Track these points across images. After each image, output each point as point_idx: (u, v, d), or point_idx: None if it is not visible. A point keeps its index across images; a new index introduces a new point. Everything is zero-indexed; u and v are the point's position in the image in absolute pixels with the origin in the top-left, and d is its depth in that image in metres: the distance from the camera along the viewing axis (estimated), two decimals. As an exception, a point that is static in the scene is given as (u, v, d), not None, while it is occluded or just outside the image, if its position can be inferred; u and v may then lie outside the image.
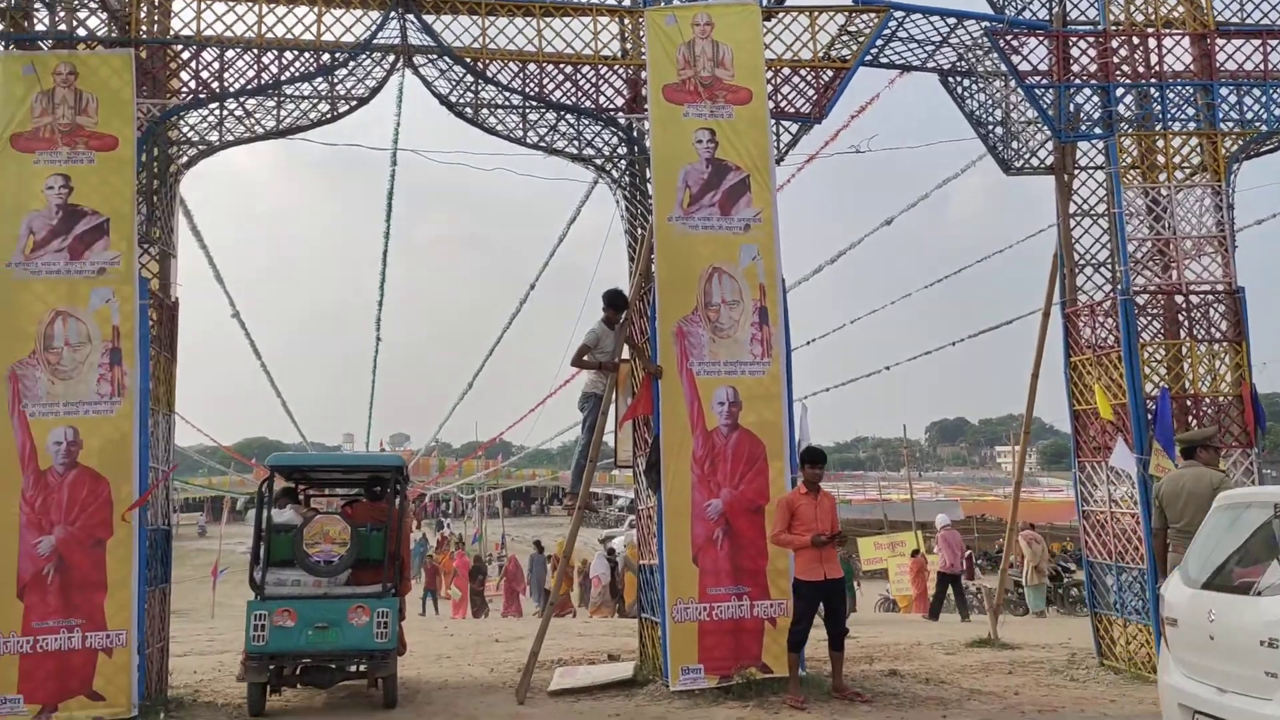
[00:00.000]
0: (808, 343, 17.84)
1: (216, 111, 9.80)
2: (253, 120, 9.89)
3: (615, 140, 10.49)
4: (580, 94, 10.19)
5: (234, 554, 35.69)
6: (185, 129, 9.91)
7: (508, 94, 10.16)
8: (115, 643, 8.37)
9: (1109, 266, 10.64)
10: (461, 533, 51.82)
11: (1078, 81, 10.68)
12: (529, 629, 18.13)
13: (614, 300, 9.74)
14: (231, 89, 9.57)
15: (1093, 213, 10.81)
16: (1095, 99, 10.66)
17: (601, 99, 10.25)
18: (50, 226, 8.74)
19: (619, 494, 63.94)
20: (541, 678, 9.68)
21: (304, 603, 8.58)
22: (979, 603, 29.24)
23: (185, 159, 9.87)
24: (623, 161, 10.55)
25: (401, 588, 9.20)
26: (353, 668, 8.69)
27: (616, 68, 10.32)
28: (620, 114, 10.34)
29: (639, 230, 10.21)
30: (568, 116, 10.35)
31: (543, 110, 10.28)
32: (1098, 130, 10.59)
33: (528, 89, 10.03)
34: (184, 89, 9.64)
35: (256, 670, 8.43)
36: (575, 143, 10.43)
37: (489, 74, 9.97)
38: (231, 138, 9.87)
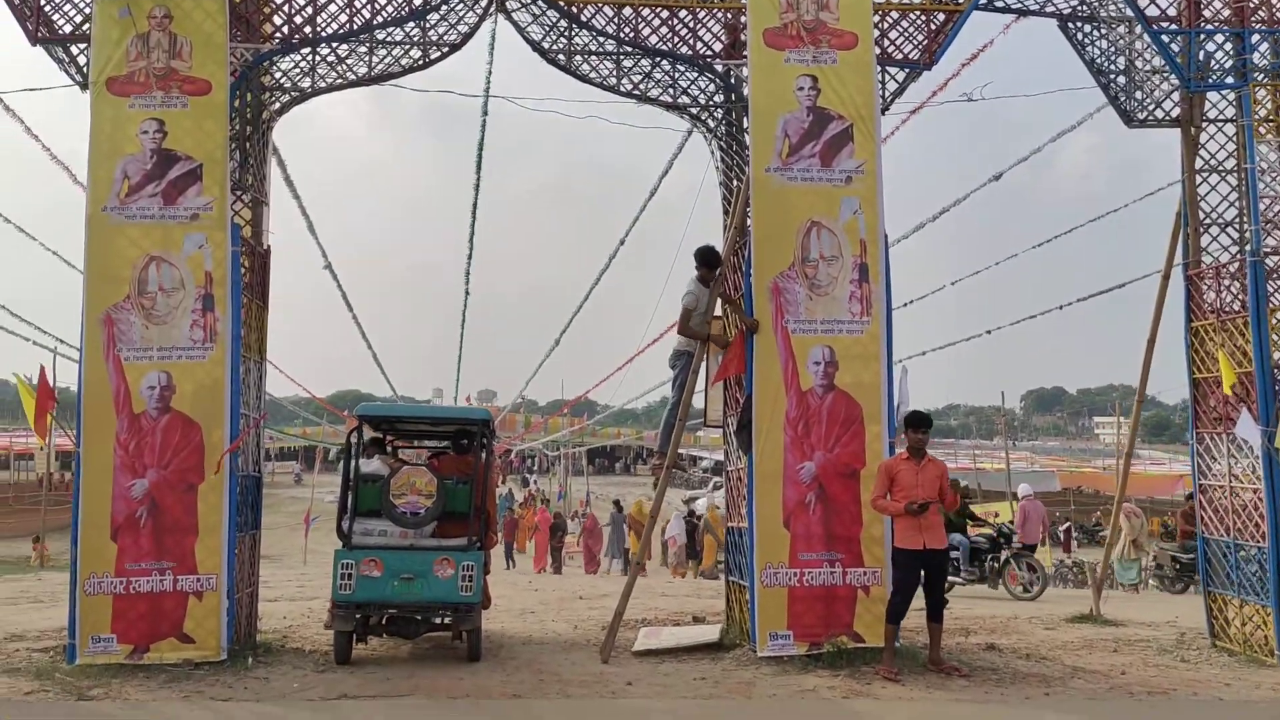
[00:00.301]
0: (907, 303, 17.15)
1: (309, 57, 9.69)
2: (345, 66, 9.76)
3: (712, 88, 10.13)
4: (677, 39, 9.83)
5: (323, 502, 36.52)
6: (278, 75, 9.82)
7: (602, 40, 9.85)
8: (206, 586, 8.45)
9: (1237, 226, 9.95)
10: (545, 489, 52.33)
11: (1209, 27, 9.95)
12: (612, 587, 18.11)
13: (706, 258, 9.39)
14: (324, 34, 9.45)
15: (1221, 168, 10.09)
16: (1228, 46, 9.93)
17: (699, 44, 9.88)
18: (144, 171, 8.75)
19: (703, 456, 63.81)
20: (626, 637, 9.54)
21: (390, 553, 8.55)
22: (1073, 576, 28.53)
23: (278, 105, 9.80)
24: (719, 110, 10.17)
25: (487, 541, 9.12)
26: (438, 620, 8.64)
27: (715, 11, 9.93)
28: (718, 60, 9.96)
29: (734, 183, 9.86)
30: (663, 63, 9.99)
31: (638, 57, 9.95)
32: (1230, 80, 9.87)
33: (622, 34, 9.71)
34: (277, 34, 9.56)
35: (343, 619, 8.44)
36: (670, 90, 10.08)
37: (583, 18, 9.68)
38: (324, 84, 9.75)
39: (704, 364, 9.47)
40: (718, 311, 9.64)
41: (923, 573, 8.30)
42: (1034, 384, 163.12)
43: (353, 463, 8.90)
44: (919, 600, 8.40)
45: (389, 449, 10.71)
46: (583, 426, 55.16)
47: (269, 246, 9.72)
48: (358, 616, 8.45)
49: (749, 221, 9.23)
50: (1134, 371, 11.41)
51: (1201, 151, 10.19)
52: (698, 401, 9.79)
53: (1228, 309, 9.67)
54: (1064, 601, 15.59)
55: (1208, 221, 10.13)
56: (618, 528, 25.65)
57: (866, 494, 8.80)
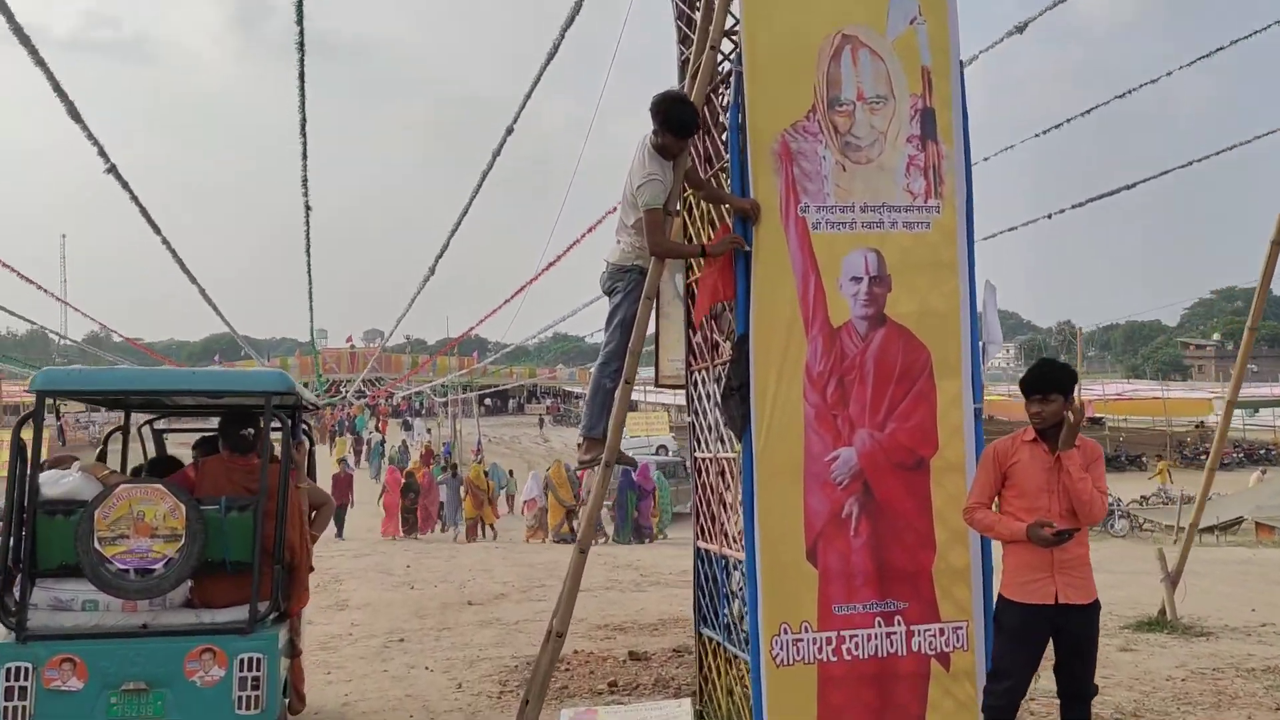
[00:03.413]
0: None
1: None
2: None
3: None
4: None
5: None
6: None
7: None
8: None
9: None
10: (433, 434, 47.90)
11: None
12: (506, 574, 14.48)
13: (671, 115, 5.28)
14: None
15: None
16: None
17: None
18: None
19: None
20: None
21: (103, 646, 4.65)
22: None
23: None
24: None
25: (294, 602, 5.24)
26: None
27: None
28: None
29: (698, -11, 6.00)
30: None
31: None
32: None
33: None
34: None
35: (13, 773, 4.52)
36: None
37: None
38: None
39: (660, 285, 5.64)
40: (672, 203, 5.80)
41: (1054, 643, 4.77)
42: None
43: (21, 479, 4.83)
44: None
45: (153, 443, 6.71)
46: (473, 368, 50.90)
47: None
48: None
49: (736, 43, 5.44)
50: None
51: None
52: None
53: None
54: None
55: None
56: (453, 492, 23.94)
57: (942, 498, 5.24)
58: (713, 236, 5.62)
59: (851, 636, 5.13)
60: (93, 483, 4.97)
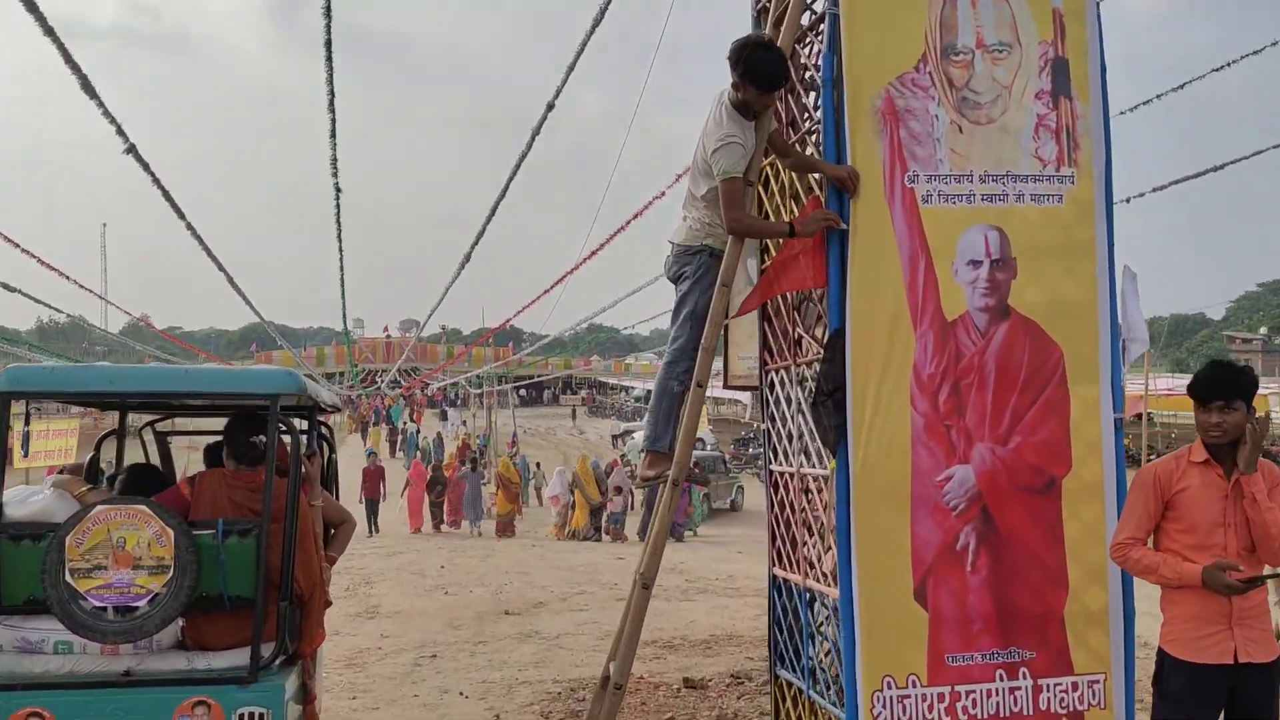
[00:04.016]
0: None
1: None
2: None
3: None
4: None
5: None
6: None
7: None
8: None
9: None
10: (469, 425, 47.28)
11: None
12: (545, 578, 13.77)
13: (755, 64, 4.42)
14: None
15: None
16: None
17: None
18: None
19: (636, 386, 59.01)
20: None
21: (78, 697, 3.90)
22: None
23: None
24: None
25: (306, 641, 4.45)
26: None
27: None
28: None
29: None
30: None
31: None
32: None
33: None
34: None
35: None
36: None
37: None
38: None
39: (737, 270, 4.80)
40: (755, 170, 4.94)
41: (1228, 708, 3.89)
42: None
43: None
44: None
45: (156, 449, 5.97)
46: (509, 360, 50.24)
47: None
48: (3, 841, 3.81)
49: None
50: None
51: None
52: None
53: None
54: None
55: None
56: (474, 487, 23.07)
57: (1076, 526, 4.39)
58: (796, 213, 4.78)
59: (968, 692, 4.29)
60: (67, 501, 4.20)
